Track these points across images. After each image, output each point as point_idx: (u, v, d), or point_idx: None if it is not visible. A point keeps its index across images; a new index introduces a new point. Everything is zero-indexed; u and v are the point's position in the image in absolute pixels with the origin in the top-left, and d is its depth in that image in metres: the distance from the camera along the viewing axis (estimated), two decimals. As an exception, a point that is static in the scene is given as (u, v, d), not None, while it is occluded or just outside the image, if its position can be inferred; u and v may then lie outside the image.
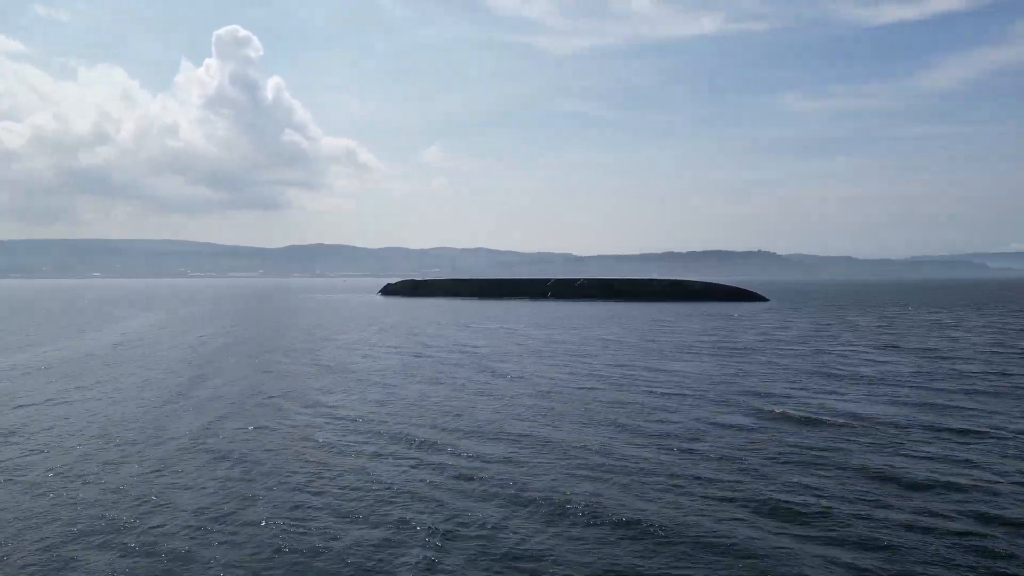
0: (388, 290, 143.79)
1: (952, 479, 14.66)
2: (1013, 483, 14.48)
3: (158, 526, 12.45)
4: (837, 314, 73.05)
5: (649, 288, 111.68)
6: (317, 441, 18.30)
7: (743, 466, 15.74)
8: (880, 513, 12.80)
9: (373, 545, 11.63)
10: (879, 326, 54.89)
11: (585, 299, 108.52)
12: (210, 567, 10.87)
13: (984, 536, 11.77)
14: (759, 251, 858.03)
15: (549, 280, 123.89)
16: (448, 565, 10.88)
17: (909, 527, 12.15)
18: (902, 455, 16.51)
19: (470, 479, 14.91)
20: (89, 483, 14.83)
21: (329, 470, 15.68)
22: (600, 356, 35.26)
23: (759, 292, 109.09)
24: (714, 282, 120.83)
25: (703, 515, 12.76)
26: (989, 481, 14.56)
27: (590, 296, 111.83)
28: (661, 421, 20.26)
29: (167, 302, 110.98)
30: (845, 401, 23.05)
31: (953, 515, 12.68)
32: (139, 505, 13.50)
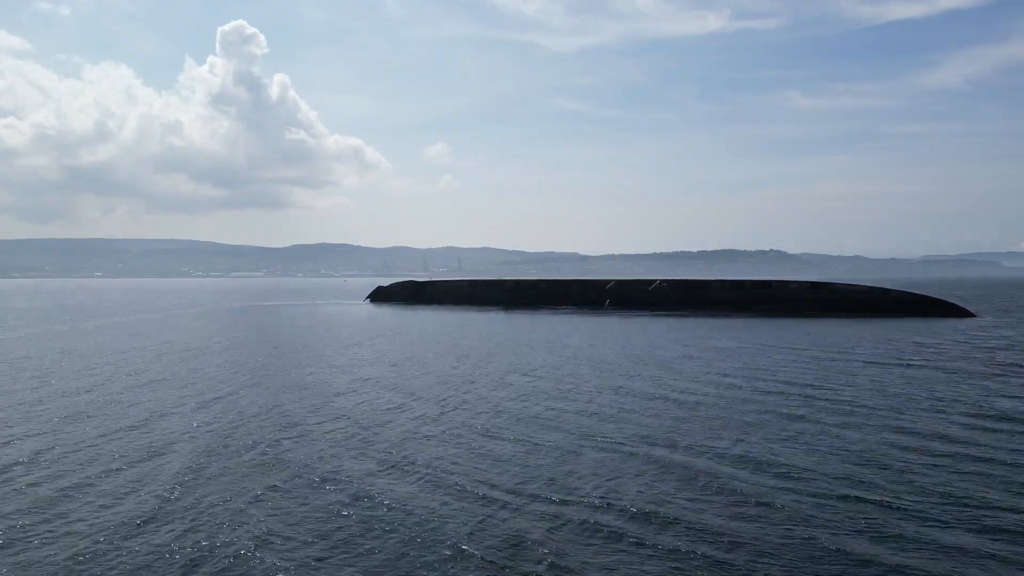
0: (379, 295, 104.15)
1: None
2: None
3: None
4: None
5: (765, 295, 71.29)
6: None
7: None
8: None
9: None
10: None
11: (662, 311, 68.70)
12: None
13: None
14: (770, 250, 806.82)
15: (609, 283, 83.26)
16: None
17: None
18: None
19: None
20: None
21: None
22: None
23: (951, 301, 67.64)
24: (875, 285, 79.81)
25: None
26: None
27: (670, 307, 71.90)
28: None
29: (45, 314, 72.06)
30: None
31: None
32: None
